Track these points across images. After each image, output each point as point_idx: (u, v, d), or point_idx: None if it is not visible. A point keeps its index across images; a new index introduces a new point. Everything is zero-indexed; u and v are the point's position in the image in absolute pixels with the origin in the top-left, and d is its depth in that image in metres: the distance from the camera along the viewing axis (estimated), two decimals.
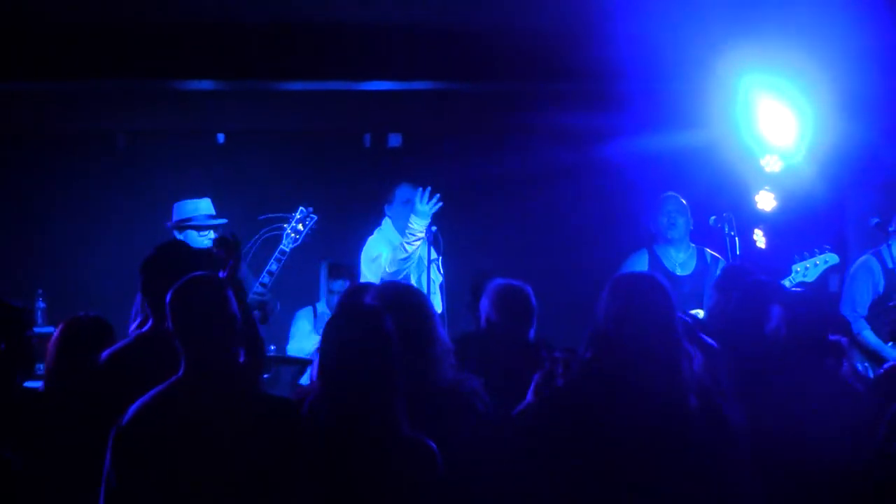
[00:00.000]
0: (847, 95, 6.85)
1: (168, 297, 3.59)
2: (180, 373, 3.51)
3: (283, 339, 7.30)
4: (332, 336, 3.59)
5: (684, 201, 7.07)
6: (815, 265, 6.66)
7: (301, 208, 6.49)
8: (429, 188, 6.54)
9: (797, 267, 6.65)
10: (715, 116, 7.15)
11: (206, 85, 7.45)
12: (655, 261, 7.01)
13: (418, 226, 6.48)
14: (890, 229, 6.73)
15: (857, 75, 6.73)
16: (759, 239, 7.14)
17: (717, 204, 7.09)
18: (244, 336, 3.64)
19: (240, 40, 6.93)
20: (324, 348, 3.60)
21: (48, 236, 8.22)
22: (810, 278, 6.62)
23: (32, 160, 8.36)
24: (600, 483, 3.43)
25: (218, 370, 3.50)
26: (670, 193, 7.10)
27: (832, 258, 6.71)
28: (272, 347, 6.94)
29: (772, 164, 7.12)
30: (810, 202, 7.41)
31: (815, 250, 6.73)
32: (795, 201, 7.27)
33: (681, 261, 7.01)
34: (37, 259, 8.06)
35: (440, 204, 6.53)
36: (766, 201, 7.19)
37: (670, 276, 6.75)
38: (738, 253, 6.81)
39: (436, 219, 6.54)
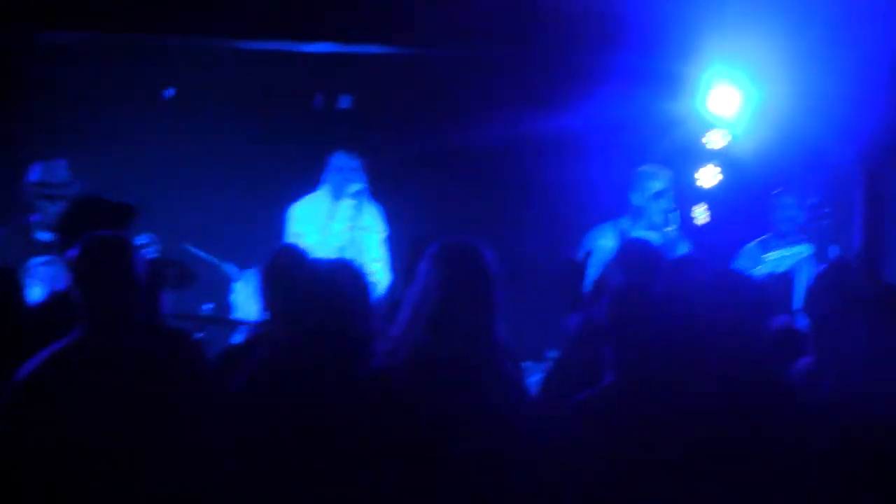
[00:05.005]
0: (801, 86, 6.78)
1: (71, 255, 3.53)
2: (78, 331, 3.46)
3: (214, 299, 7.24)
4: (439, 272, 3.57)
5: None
6: (788, 256, 6.48)
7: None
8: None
9: (768, 256, 6.49)
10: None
11: (155, 40, 7.36)
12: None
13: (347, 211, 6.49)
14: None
15: (813, 67, 6.68)
16: (702, 215, 7.14)
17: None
18: (145, 296, 3.57)
19: None
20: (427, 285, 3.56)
21: None
22: (782, 268, 6.42)
23: None
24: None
25: (116, 329, 3.44)
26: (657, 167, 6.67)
27: (805, 249, 6.49)
28: (210, 306, 6.91)
29: (715, 140, 7.11)
30: (755, 180, 7.39)
31: (790, 240, 6.55)
32: (740, 178, 7.27)
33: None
34: None
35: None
36: (709, 177, 7.19)
37: None
38: (679, 227, 6.77)
39: (385, 185, 6.52)
